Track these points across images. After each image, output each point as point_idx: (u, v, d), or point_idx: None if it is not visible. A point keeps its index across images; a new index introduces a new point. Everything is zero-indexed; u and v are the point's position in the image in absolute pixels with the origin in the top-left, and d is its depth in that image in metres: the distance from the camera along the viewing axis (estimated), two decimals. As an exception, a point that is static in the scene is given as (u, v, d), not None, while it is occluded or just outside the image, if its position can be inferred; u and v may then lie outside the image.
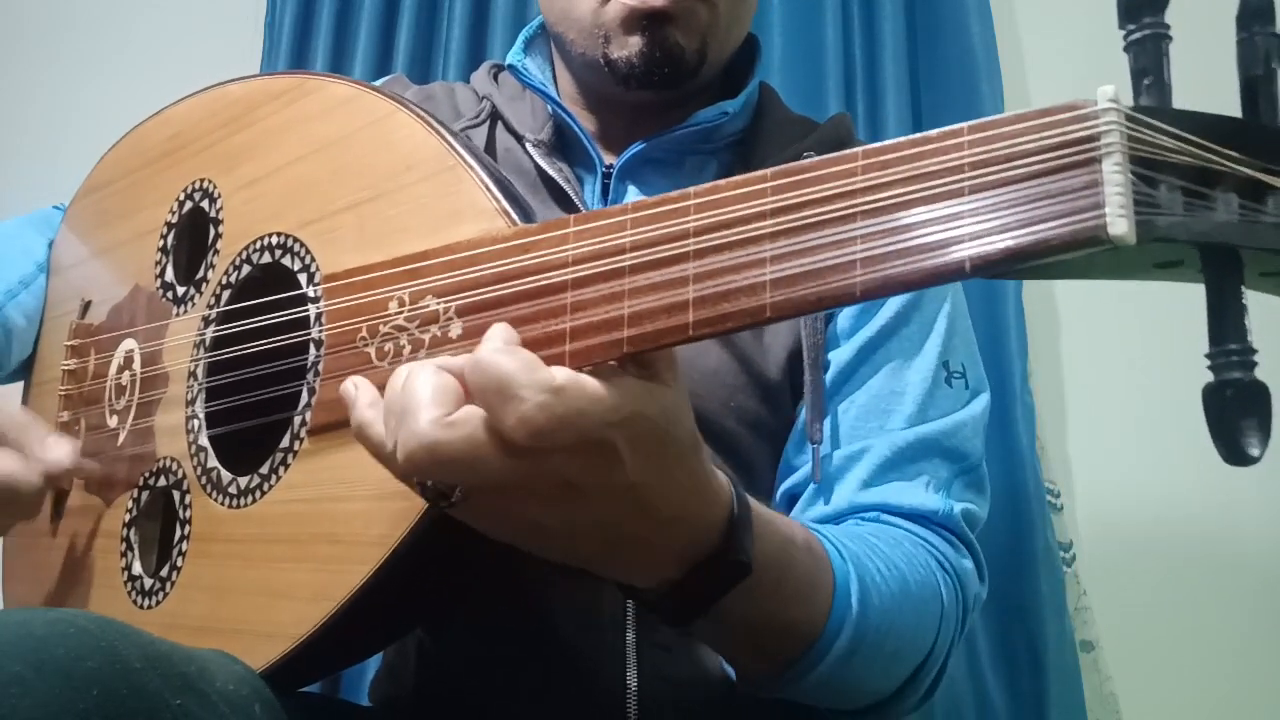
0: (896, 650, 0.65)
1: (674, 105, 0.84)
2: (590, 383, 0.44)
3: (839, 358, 0.77)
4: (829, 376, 0.77)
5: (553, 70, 0.91)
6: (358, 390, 0.52)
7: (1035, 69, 1.53)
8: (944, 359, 0.78)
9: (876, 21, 1.48)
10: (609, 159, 0.84)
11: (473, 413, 0.45)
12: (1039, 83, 1.52)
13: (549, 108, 0.85)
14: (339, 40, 1.58)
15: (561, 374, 0.44)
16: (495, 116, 0.87)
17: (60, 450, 0.68)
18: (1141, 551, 1.37)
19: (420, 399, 0.45)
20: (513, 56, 0.89)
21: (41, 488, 0.67)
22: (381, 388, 0.57)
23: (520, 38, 0.92)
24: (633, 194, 0.84)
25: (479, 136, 0.85)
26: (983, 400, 0.79)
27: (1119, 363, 1.43)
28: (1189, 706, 1.33)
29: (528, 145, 0.84)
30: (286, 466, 0.63)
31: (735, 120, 0.85)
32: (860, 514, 0.73)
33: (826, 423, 0.75)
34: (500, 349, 0.45)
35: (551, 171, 0.82)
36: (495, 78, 0.91)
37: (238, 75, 0.80)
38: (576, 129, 0.83)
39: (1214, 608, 1.34)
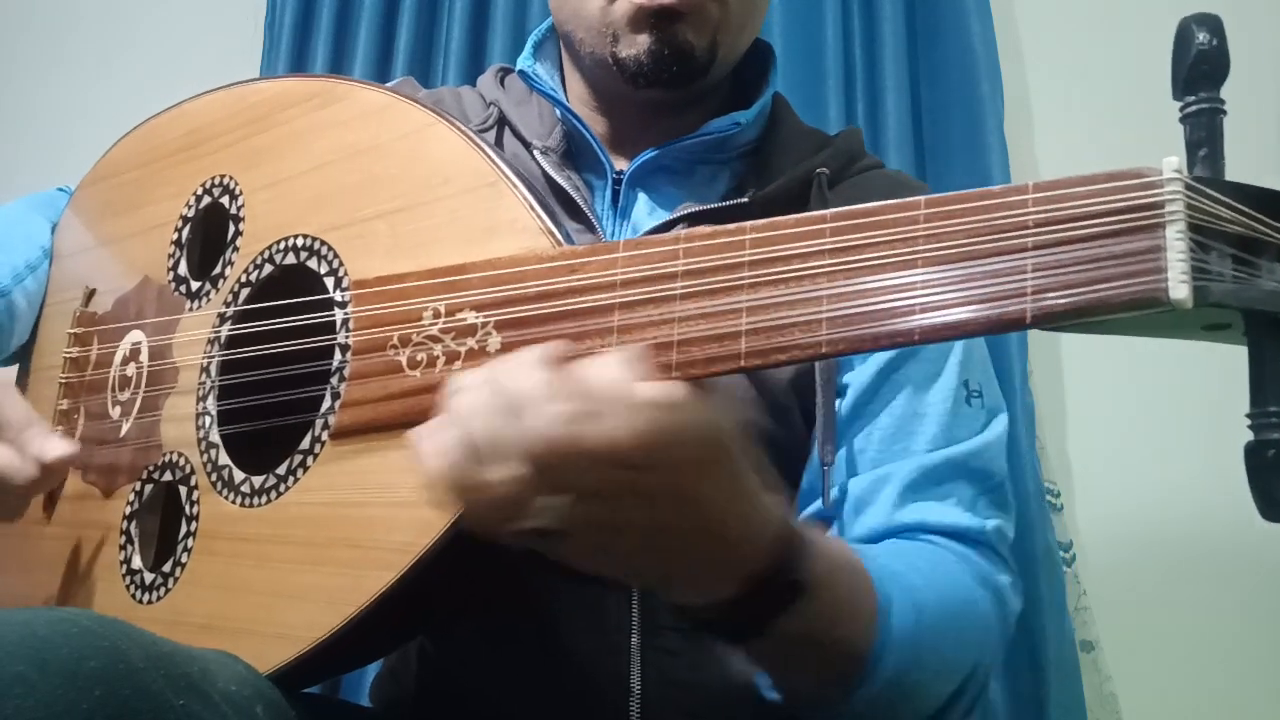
0: (940, 669, 0.65)
1: (685, 106, 0.84)
2: (686, 391, 0.47)
3: (857, 380, 0.77)
4: (848, 400, 0.77)
5: (561, 75, 0.90)
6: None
7: (1035, 68, 1.54)
8: (964, 378, 0.78)
9: (876, 21, 1.48)
10: (619, 164, 0.83)
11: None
12: (1039, 82, 1.53)
13: (557, 113, 0.85)
14: (339, 40, 1.58)
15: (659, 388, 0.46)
16: (503, 122, 0.86)
17: (59, 448, 0.66)
18: (1141, 551, 1.37)
19: (539, 393, 0.46)
20: (523, 61, 0.87)
21: (35, 485, 0.66)
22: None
23: (530, 42, 0.90)
24: (643, 201, 0.83)
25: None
26: (1002, 421, 0.79)
27: (1119, 363, 1.42)
28: (1189, 706, 1.33)
29: (536, 153, 0.83)
30: (305, 469, 0.63)
31: (747, 130, 0.84)
32: (898, 534, 0.73)
33: (850, 447, 0.75)
34: (612, 359, 0.47)
35: (560, 180, 0.81)
36: (502, 82, 0.90)
37: (237, 75, 0.80)
38: (586, 134, 0.83)
39: (1214, 608, 1.35)
